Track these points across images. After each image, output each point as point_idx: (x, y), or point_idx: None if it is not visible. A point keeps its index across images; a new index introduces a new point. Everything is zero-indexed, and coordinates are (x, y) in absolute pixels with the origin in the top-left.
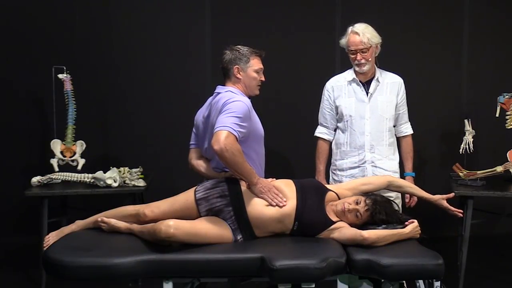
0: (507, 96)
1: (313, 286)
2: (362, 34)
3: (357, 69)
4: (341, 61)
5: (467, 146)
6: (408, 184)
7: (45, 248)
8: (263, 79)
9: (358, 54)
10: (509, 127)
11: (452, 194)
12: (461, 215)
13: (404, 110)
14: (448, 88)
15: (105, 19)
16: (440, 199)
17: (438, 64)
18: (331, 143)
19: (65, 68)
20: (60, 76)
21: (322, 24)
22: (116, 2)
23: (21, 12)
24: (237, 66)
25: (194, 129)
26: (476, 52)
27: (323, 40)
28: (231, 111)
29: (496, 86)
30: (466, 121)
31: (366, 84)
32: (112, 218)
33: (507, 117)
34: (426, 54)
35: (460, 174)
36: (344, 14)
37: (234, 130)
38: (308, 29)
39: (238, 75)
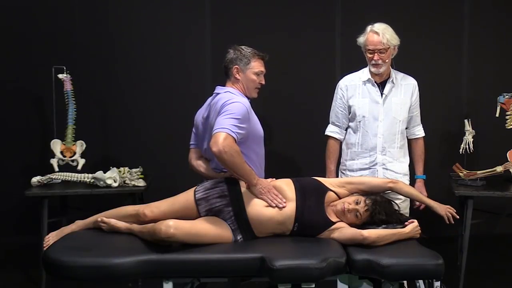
0: (507, 96)
1: (313, 286)
2: (382, 35)
3: (373, 69)
4: (341, 61)
5: (467, 146)
6: (410, 194)
7: (45, 248)
8: (263, 82)
9: (376, 54)
10: (509, 127)
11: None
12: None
13: (417, 112)
14: (448, 88)
15: (105, 19)
16: (439, 209)
17: (438, 64)
18: (341, 142)
19: (65, 68)
20: (60, 76)
21: (322, 24)
22: (116, 2)
23: (21, 12)
24: (236, 66)
25: (194, 129)
26: (476, 52)
27: (323, 40)
28: (229, 112)
29: (496, 86)
30: (466, 121)
31: (381, 85)
32: (112, 218)
33: (507, 117)
34: (426, 54)
35: (460, 174)
36: (344, 14)
37: (233, 131)
38: (308, 29)
39: (237, 76)
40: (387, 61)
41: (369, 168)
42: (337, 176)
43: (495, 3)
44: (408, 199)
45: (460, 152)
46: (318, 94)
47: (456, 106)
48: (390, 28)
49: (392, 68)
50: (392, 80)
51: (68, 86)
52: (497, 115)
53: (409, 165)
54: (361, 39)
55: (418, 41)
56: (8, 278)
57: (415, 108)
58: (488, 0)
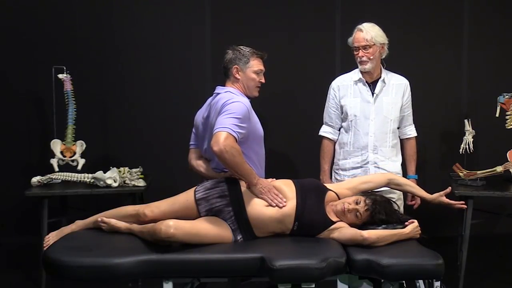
0: (507, 96)
1: (313, 286)
2: (366, 32)
3: (359, 67)
4: (341, 61)
5: (467, 146)
6: (408, 183)
7: (45, 248)
8: (263, 80)
9: (360, 51)
10: (509, 127)
11: (449, 189)
12: (465, 206)
13: (409, 112)
14: (448, 88)
15: (105, 19)
16: (439, 196)
17: (438, 64)
18: (335, 142)
19: (65, 68)
20: (60, 76)
21: (322, 24)
22: (116, 2)
23: (21, 12)
24: (236, 66)
25: (194, 130)
26: (476, 52)
27: (323, 40)
28: (230, 112)
29: (496, 86)
30: (466, 121)
31: (372, 85)
32: (112, 218)
33: (507, 117)
34: (426, 54)
35: (460, 174)
36: (344, 14)
37: (234, 131)
38: (308, 29)
39: (237, 75)
40: (371, 58)
41: (361, 167)
42: (330, 176)
43: (495, 3)
44: (402, 198)
45: (460, 152)
46: (318, 94)
47: (456, 106)
48: (377, 27)
49: (383, 67)
50: (383, 80)
51: (68, 86)
52: (497, 115)
53: (402, 165)
54: (349, 40)
55: (418, 41)
56: (8, 278)
57: (406, 108)
58: (488, 1)
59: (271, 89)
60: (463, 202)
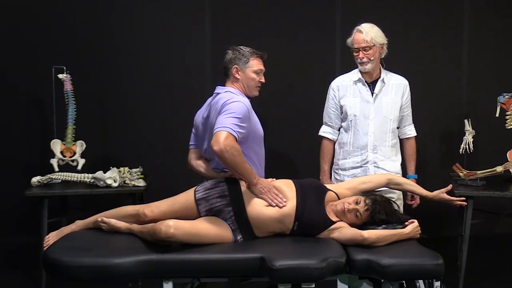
0: (507, 96)
1: (313, 286)
2: (366, 33)
3: (360, 68)
4: (341, 61)
5: (467, 146)
6: (408, 182)
7: (45, 248)
8: (263, 80)
9: (361, 52)
10: (509, 127)
11: (450, 186)
12: (465, 203)
13: (408, 112)
14: (448, 88)
15: (105, 19)
16: (440, 193)
17: (438, 64)
18: (335, 142)
19: (65, 68)
20: (60, 76)
21: (322, 24)
22: (116, 2)
23: (22, 11)
24: (236, 66)
25: (193, 130)
26: (476, 52)
27: (323, 41)
28: (230, 111)
29: (496, 86)
30: (466, 121)
31: (371, 85)
32: (112, 218)
33: (507, 117)
34: (426, 54)
35: (460, 174)
36: (344, 14)
37: (234, 130)
38: (308, 30)
39: (237, 75)
40: (372, 59)
41: (361, 167)
42: (330, 176)
43: (495, 3)
44: (402, 198)
45: (460, 152)
46: (318, 94)
47: (456, 106)
48: (376, 27)
49: (382, 67)
50: (383, 80)
51: (68, 86)
52: (497, 115)
53: (401, 165)
54: (348, 40)
55: (418, 41)
56: (8, 278)
57: (406, 108)
58: (488, 1)
59: (271, 89)
60: (463, 198)
